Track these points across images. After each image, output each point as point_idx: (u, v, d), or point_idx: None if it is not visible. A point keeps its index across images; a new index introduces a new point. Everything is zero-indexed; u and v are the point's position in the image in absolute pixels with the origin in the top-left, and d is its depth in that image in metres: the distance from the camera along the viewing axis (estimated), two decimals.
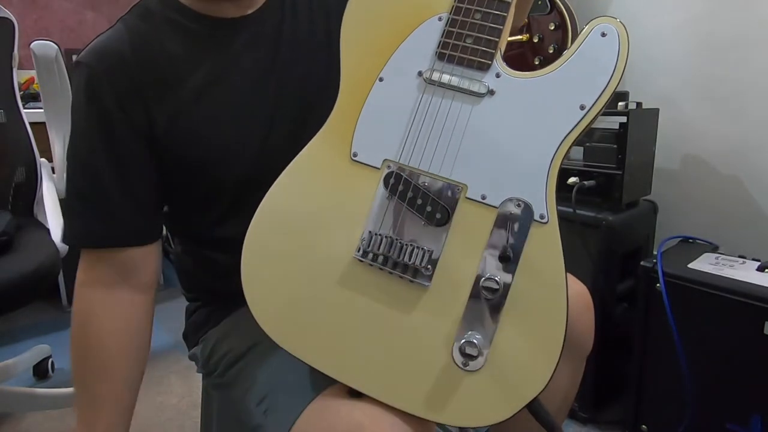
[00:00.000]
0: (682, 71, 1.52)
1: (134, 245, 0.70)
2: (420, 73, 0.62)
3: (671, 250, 1.27)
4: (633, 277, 1.28)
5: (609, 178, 1.29)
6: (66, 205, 0.71)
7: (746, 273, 1.11)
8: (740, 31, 1.41)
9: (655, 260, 1.18)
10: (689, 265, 1.17)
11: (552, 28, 1.39)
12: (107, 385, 0.68)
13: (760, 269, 1.12)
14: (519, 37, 1.47)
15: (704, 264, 1.18)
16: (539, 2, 1.43)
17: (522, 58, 1.39)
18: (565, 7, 1.40)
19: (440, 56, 0.61)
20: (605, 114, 1.31)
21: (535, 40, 1.45)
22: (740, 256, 1.21)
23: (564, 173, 1.34)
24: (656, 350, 1.19)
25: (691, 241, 1.33)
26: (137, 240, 0.70)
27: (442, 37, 0.61)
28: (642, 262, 1.20)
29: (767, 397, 1.05)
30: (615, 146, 1.28)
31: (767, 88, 1.38)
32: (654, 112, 1.39)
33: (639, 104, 1.34)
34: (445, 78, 0.60)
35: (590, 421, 1.37)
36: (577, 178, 1.31)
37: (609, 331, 1.28)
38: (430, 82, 0.61)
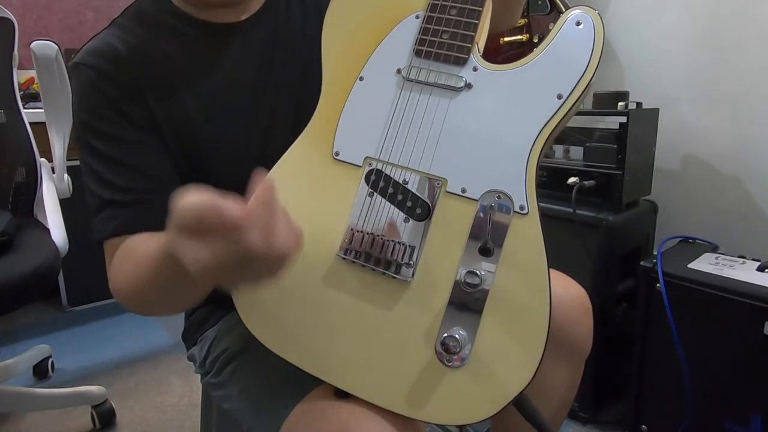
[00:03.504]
0: (682, 71, 1.52)
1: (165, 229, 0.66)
2: (398, 71, 0.62)
3: (671, 250, 1.27)
4: (633, 277, 1.28)
5: (609, 178, 1.29)
6: (90, 204, 0.67)
7: (746, 273, 1.11)
8: (740, 31, 1.41)
9: (655, 260, 1.18)
10: (689, 265, 1.17)
11: (552, 28, 1.39)
12: None
13: (760, 269, 1.12)
14: (519, 37, 1.47)
15: (704, 264, 1.17)
16: (539, 2, 1.43)
17: (522, 58, 1.40)
18: (565, 7, 1.40)
19: (418, 53, 0.62)
20: (605, 114, 1.32)
21: (535, 40, 1.45)
22: (740, 256, 1.20)
23: (564, 173, 1.35)
24: (656, 350, 1.19)
25: (691, 241, 1.33)
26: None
27: (419, 34, 0.62)
28: (642, 262, 1.20)
29: (767, 397, 1.05)
30: (615, 146, 1.28)
31: (767, 88, 1.38)
32: (654, 112, 1.39)
33: (639, 104, 1.34)
34: (423, 74, 0.61)
35: (590, 421, 1.37)
36: (577, 178, 1.31)
37: (609, 331, 1.28)
38: (408, 78, 0.61)
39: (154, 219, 0.65)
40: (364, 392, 0.56)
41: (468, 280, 0.55)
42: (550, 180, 1.38)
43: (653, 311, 1.18)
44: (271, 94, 0.73)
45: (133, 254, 0.61)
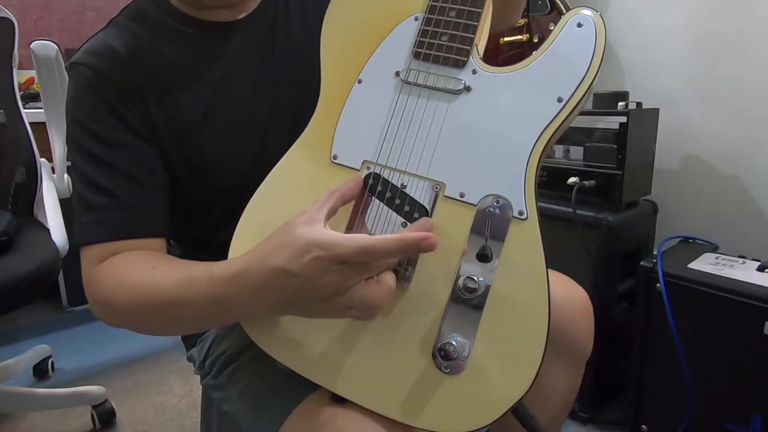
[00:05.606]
0: (682, 71, 1.52)
1: (150, 236, 0.66)
2: (397, 73, 0.61)
3: (671, 250, 1.27)
4: (633, 277, 1.28)
5: (609, 178, 1.29)
6: (76, 206, 0.66)
7: (746, 273, 1.11)
8: (740, 31, 1.41)
9: (655, 260, 1.18)
10: (689, 265, 1.17)
11: (552, 28, 1.39)
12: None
13: (760, 269, 1.12)
14: (519, 37, 1.47)
15: (704, 264, 1.17)
16: (539, 2, 1.43)
17: (522, 58, 1.40)
18: (565, 7, 1.40)
19: (416, 55, 0.61)
20: (605, 114, 1.32)
21: (535, 40, 1.45)
22: (740, 256, 1.21)
23: (564, 173, 1.35)
24: (656, 350, 1.19)
25: (691, 241, 1.33)
26: (154, 230, 0.67)
27: (418, 36, 0.61)
28: (642, 262, 1.20)
29: (767, 397, 1.05)
30: (615, 146, 1.28)
31: (767, 88, 1.38)
32: (654, 112, 1.39)
33: (639, 104, 1.34)
34: (421, 77, 0.60)
35: (590, 421, 1.37)
36: (577, 178, 1.31)
37: (609, 331, 1.28)
38: (407, 81, 0.61)
39: (141, 226, 0.65)
40: (361, 398, 0.56)
41: (465, 286, 0.54)
42: (550, 180, 1.38)
43: (653, 311, 1.18)
44: (270, 94, 0.72)
45: (146, 276, 0.60)
